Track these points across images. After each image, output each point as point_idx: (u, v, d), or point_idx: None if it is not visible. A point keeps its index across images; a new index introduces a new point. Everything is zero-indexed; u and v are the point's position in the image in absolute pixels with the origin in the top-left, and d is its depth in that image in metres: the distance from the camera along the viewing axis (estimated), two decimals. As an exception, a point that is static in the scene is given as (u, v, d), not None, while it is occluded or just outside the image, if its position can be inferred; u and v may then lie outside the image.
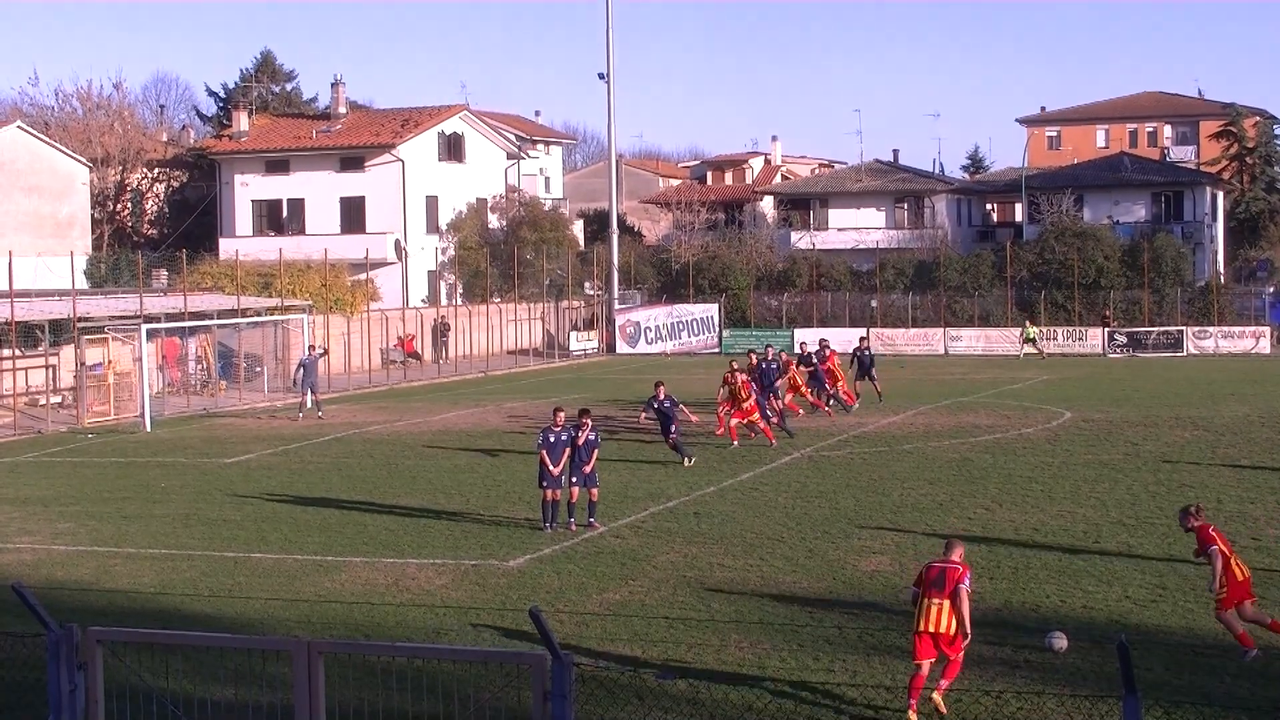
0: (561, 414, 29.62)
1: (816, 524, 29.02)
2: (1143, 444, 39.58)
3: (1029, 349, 76.54)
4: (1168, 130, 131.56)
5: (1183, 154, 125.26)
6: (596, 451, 29.49)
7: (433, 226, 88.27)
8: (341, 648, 15.93)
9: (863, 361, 51.29)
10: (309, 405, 50.41)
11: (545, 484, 28.73)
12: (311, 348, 54.16)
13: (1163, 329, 79.04)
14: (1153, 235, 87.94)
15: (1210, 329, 78.34)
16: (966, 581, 17.42)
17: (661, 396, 37.76)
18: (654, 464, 37.50)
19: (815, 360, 47.92)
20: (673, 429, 37.20)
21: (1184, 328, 78.58)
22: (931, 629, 17.29)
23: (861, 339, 56.09)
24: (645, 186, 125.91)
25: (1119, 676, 11.15)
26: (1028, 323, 79.76)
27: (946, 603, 17.25)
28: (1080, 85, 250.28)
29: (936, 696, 17.11)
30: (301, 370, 51.34)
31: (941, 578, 17.43)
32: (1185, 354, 76.07)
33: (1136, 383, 59.33)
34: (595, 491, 29.24)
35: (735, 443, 39.95)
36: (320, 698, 12.34)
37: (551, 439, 29.01)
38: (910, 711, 16.83)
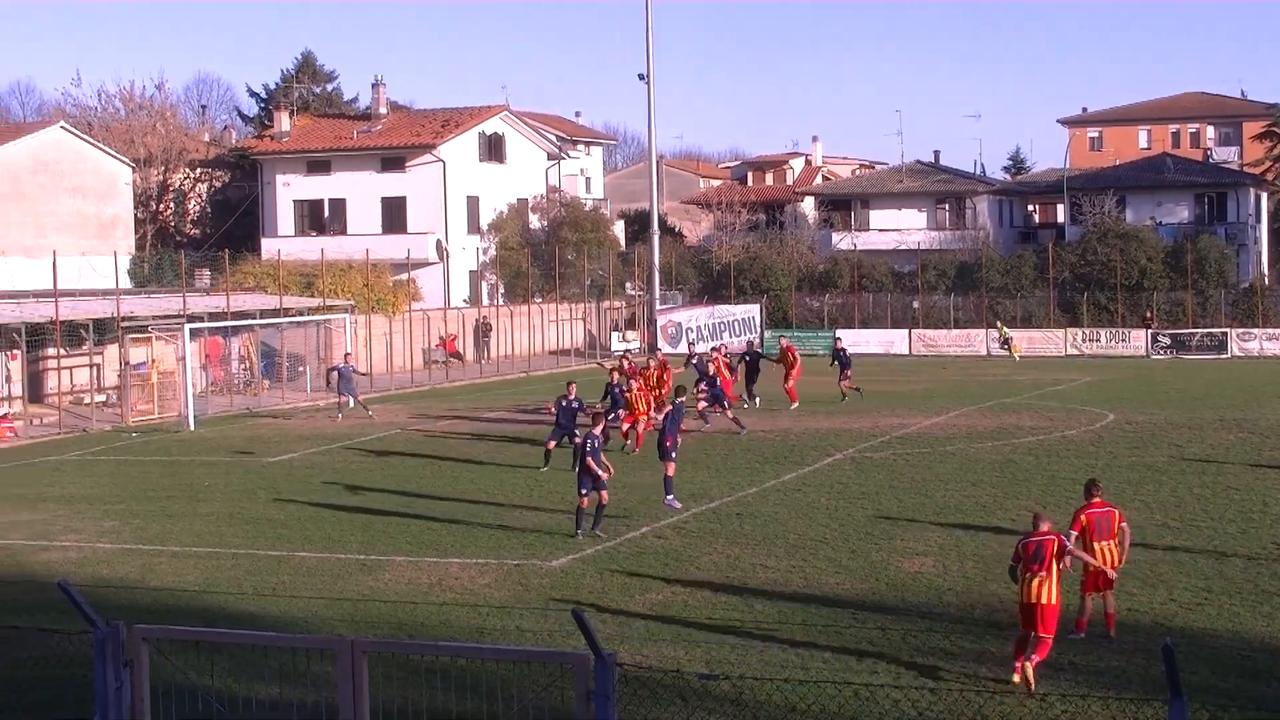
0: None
1: (859, 525, 28.96)
2: (1187, 446, 39.38)
3: (1003, 350, 76.98)
4: (1210, 131, 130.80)
5: (1226, 155, 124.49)
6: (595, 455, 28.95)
7: (474, 227, 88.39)
8: (385, 646, 15.94)
9: (842, 362, 52.08)
10: (351, 405, 50.55)
11: (582, 490, 28.36)
12: (347, 355, 54.36)
13: (1206, 331, 78.61)
14: (1196, 236, 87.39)
15: (1254, 331, 77.88)
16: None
17: (572, 396, 38.46)
18: (696, 465, 37.45)
19: (699, 364, 48.08)
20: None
21: (1228, 329, 78.14)
22: (1034, 600, 18.44)
23: (836, 339, 56.64)
24: (686, 187, 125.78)
25: (1164, 680, 11.09)
26: (1000, 323, 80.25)
27: (1046, 575, 18.33)
28: (1122, 86, 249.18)
29: (1028, 668, 18.01)
30: (338, 376, 51.49)
31: (1039, 552, 18.50)
32: (1229, 356, 75.64)
33: (1180, 384, 59.03)
34: (605, 495, 28.53)
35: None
36: (364, 696, 12.36)
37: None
38: (1015, 674, 18.13)
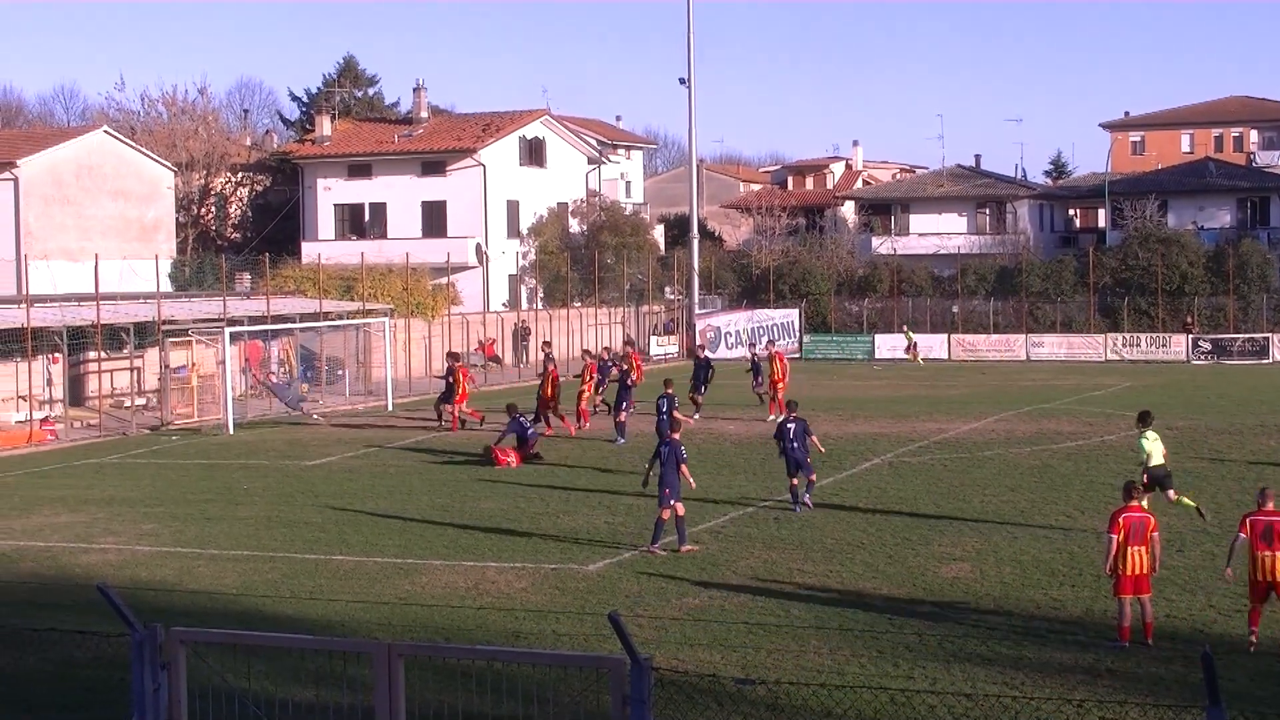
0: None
1: (897, 530, 28.91)
2: (1227, 452, 39.19)
3: (906, 355, 78.40)
4: (1254, 135, 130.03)
5: (1269, 159, 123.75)
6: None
7: (513, 231, 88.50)
8: (422, 650, 15.96)
9: (756, 369, 51.87)
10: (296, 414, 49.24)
11: (661, 503, 27.40)
12: (271, 374, 53.79)
13: (1248, 336, 78.21)
14: (1238, 241, 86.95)
15: (1297, 336, 77.45)
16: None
17: (669, 391, 39.63)
18: (734, 469, 37.47)
19: (611, 365, 48.49)
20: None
21: (1270, 335, 77.71)
22: (1266, 577, 19.79)
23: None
24: (726, 191, 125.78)
25: (1203, 687, 11.04)
26: (905, 327, 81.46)
27: (1275, 552, 19.62)
28: (1165, 89, 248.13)
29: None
30: (271, 387, 50.16)
31: (1269, 531, 19.56)
32: (1271, 361, 75.21)
33: (1221, 390, 58.75)
34: (679, 506, 27.49)
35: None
36: (400, 700, 12.38)
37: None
38: (1252, 636, 19.96)
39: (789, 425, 31.80)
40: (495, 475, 37.47)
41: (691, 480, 27.94)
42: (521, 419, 40.57)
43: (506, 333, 76.90)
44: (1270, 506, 19.92)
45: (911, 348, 79.38)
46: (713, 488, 34.54)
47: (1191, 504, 28.82)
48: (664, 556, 26.69)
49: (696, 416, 48.02)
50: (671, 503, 27.02)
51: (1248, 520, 20.10)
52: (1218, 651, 15.33)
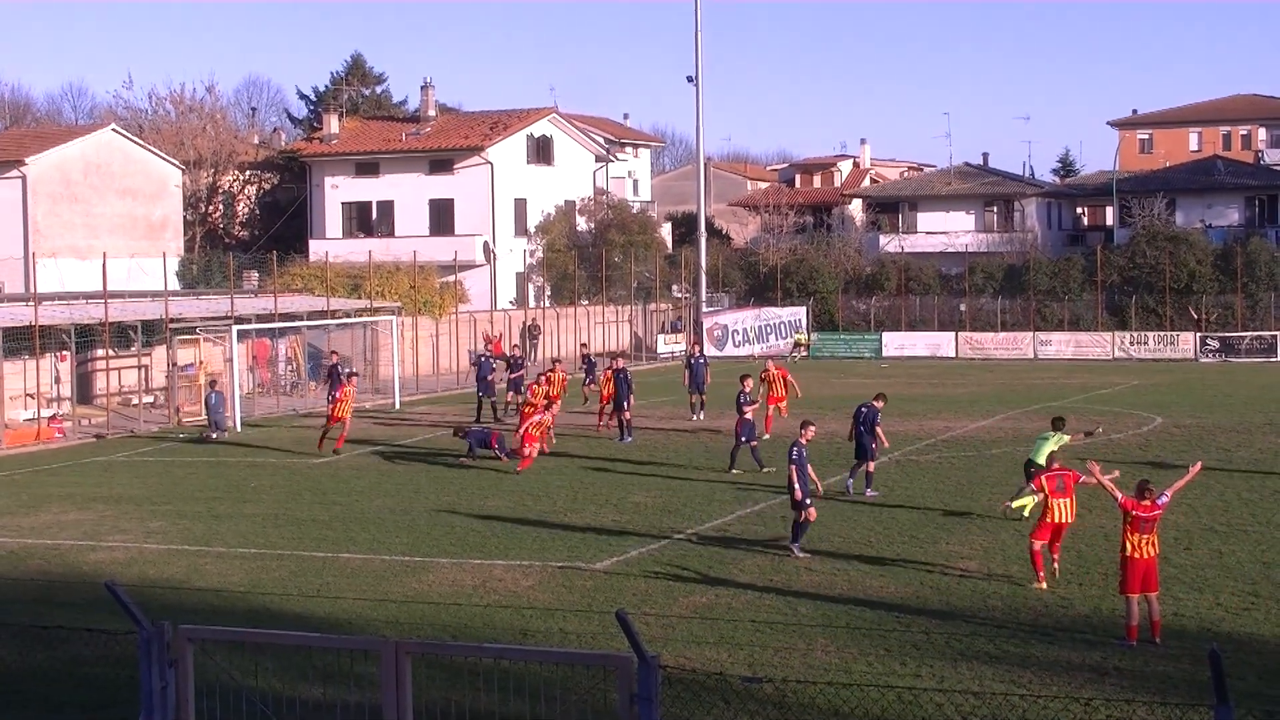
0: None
1: (904, 528, 28.91)
2: (1235, 450, 39.16)
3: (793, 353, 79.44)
4: (1262, 133, 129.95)
5: (1277, 157, 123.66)
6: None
7: (521, 229, 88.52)
8: (428, 648, 16.00)
9: (590, 366, 51.59)
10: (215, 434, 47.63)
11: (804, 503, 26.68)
12: (214, 383, 51.76)
13: (1256, 334, 78.12)
14: (1246, 239, 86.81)
15: (1305, 334, 77.36)
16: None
17: (747, 389, 38.48)
18: (741, 468, 37.45)
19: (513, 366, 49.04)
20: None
21: (1277, 332, 77.62)
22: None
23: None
24: (733, 189, 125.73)
25: (1210, 686, 11.04)
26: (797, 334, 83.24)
27: None
28: (1173, 88, 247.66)
29: None
30: (216, 398, 48.72)
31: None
32: (1279, 359, 75.12)
33: (1229, 388, 58.68)
34: (812, 512, 26.71)
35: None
36: (408, 698, 12.40)
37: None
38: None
39: (863, 410, 33.50)
40: (501, 472, 37.44)
41: (817, 483, 27.41)
42: (472, 430, 40.43)
43: (514, 330, 76.89)
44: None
45: (798, 345, 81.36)
46: (719, 486, 34.58)
47: (1021, 504, 28.92)
48: (670, 554, 26.70)
49: (697, 417, 47.95)
50: (808, 504, 26.50)
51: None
52: (1226, 650, 15.32)
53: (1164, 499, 20.53)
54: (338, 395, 43.85)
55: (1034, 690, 17.88)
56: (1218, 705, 10.94)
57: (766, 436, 41.01)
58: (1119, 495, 20.67)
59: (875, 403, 34.19)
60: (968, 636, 20.53)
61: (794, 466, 26.42)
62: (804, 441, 27.21)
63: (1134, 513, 20.28)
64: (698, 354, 50.73)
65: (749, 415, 37.80)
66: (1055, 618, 21.69)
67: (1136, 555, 20.21)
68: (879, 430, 33.39)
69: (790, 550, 26.46)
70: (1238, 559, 25.26)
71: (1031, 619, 21.62)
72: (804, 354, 79.93)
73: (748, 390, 38.30)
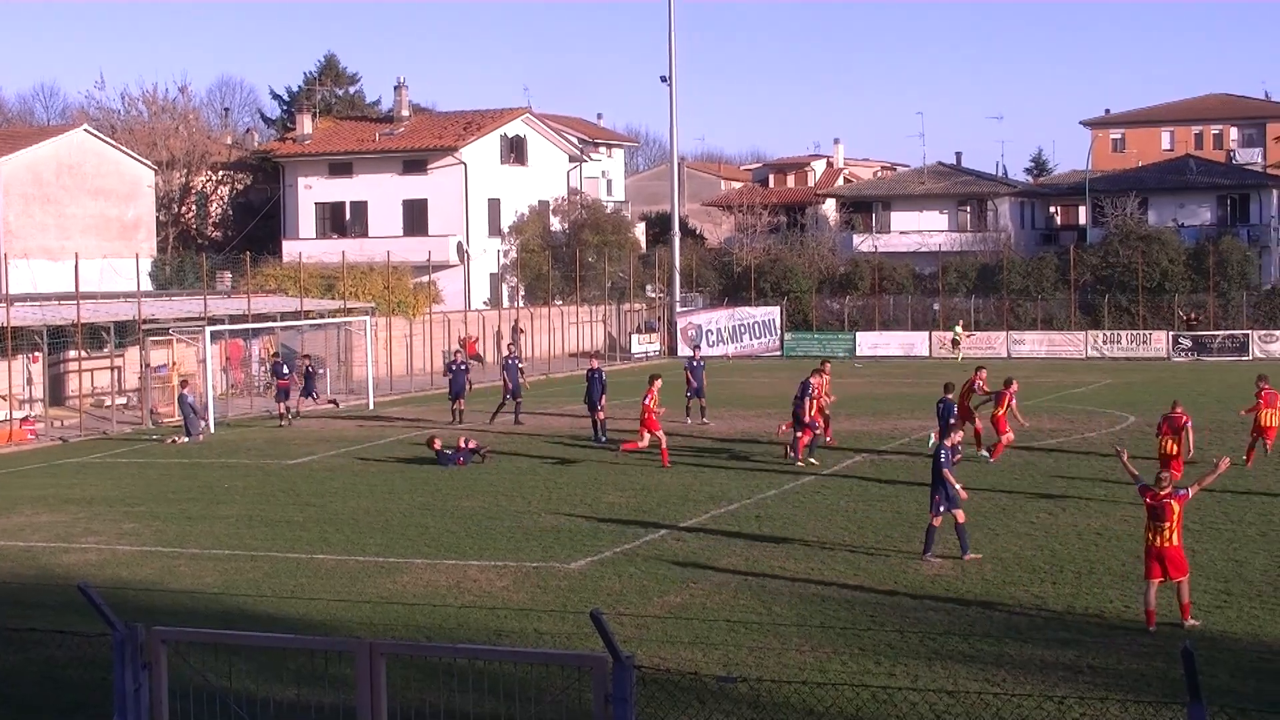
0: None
1: (879, 527, 28.94)
2: (1208, 449, 39.21)
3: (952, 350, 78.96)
4: (1234, 132, 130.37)
5: (1249, 156, 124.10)
6: None
7: (495, 229, 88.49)
8: (403, 649, 15.97)
9: (510, 372, 49.58)
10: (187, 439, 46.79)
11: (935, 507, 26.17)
12: (185, 382, 51.32)
13: (1228, 333, 78.42)
14: (1218, 238, 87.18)
15: (1277, 332, 77.65)
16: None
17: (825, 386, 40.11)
18: (715, 468, 37.52)
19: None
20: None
21: (1249, 331, 77.93)
22: None
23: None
24: (707, 189, 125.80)
25: (1184, 683, 11.07)
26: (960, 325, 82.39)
27: None
28: (1145, 87, 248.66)
29: None
30: (186, 403, 48.27)
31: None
32: (1251, 358, 75.34)
33: (1201, 387, 58.86)
34: (960, 514, 26.09)
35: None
36: (382, 699, 12.37)
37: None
38: None
39: (940, 405, 35.47)
40: (476, 473, 37.43)
41: (961, 489, 26.54)
42: (445, 452, 39.75)
43: (488, 331, 76.85)
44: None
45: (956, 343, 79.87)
46: (693, 485, 34.59)
47: None
48: (645, 554, 26.69)
49: (704, 421, 47.81)
50: (941, 510, 25.92)
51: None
52: (1199, 647, 15.36)
53: (1186, 492, 21.05)
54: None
55: (1008, 689, 17.90)
56: (1191, 702, 10.96)
57: (828, 439, 40.82)
58: (1139, 482, 21.75)
59: (947, 395, 37.05)
60: (942, 635, 20.56)
61: (946, 470, 25.90)
62: (948, 445, 26.62)
63: (1145, 500, 21.05)
64: (698, 357, 50.48)
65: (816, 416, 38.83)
66: (1029, 617, 21.73)
67: (1153, 542, 20.85)
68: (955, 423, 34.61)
69: (924, 559, 25.74)
70: (1210, 557, 25.32)
71: (1005, 618, 21.66)
72: (963, 350, 78.78)
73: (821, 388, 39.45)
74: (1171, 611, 20.90)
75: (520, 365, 50.52)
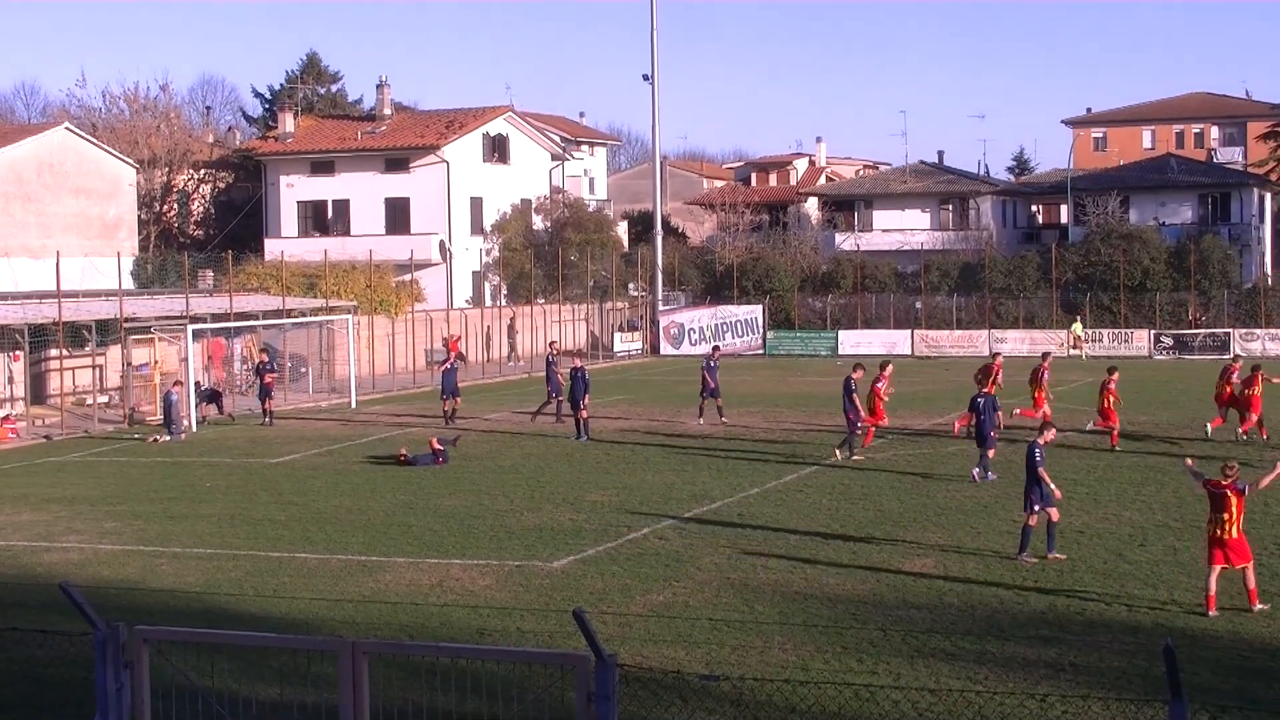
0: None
1: (860, 526, 28.97)
2: (1188, 447, 39.32)
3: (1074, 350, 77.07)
4: (1215, 131, 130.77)
5: (1230, 155, 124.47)
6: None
7: (477, 227, 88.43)
8: (386, 648, 15.96)
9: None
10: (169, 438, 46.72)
11: (1030, 506, 25.80)
12: (178, 383, 50.93)
13: (1209, 331, 78.59)
14: (1199, 237, 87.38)
15: (1257, 331, 77.81)
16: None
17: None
18: (697, 467, 37.53)
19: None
20: None
21: (1230, 330, 78.10)
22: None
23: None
24: (689, 188, 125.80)
25: (1165, 681, 11.10)
26: (1076, 321, 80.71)
27: None
28: (1127, 86, 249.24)
29: None
30: (171, 404, 47.93)
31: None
32: (1231, 356, 75.24)
33: (1183, 385, 59.01)
34: (1055, 512, 25.86)
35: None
36: (365, 697, 12.36)
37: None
38: None
39: (979, 400, 35.13)
40: (458, 472, 37.42)
41: (1055, 489, 25.99)
42: (420, 456, 39.56)
43: (471, 329, 76.76)
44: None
45: (1077, 341, 78.87)
46: (676, 484, 34.61)
47: None
48: (627, 553, 26.70)
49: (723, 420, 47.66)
50: (1035, 509, 25.61)
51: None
52: (1180, 645, 15.40)
53: (1244, 486, 21.70)
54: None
55: (990, 686, 17.94)
56: (1172, 700, 10.99)
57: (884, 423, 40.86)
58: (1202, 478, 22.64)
59: (988, 390, 37.19)
60: (924, 634, 20.59)
61: (1041, 468, 25.64)
62: (1041, 444, 26.25)
63: (1208, 488, 21.92)
64: (715, 357, 50.38)
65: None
66: (1011, 615, 21.77)
67: (1214, 531, 21.69)
68: (999, 416, 35.93)
69: (1019, 558, 25.41)
70: (1191, 555, 25.36)
71: (987, 615, 21.69)
72: (1084, 352, 77.26)
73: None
74: (1233, 600, 20.95)
75: (556, 363, 50.20)
